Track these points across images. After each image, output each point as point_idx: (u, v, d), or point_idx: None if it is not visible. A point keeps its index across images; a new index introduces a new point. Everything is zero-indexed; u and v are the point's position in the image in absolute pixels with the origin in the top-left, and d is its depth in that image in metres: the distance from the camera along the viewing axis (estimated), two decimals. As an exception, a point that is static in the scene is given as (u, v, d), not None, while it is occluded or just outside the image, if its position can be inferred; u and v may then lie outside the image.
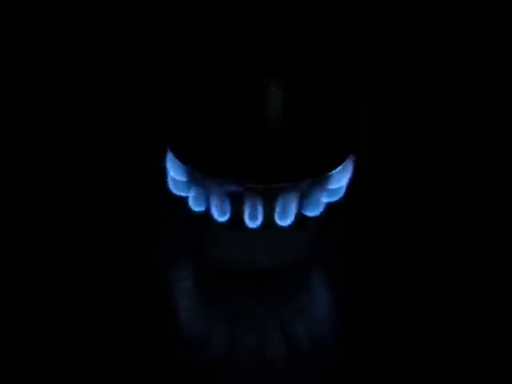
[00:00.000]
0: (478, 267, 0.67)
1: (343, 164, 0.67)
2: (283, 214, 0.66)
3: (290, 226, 0.66)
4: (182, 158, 0.68)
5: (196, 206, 0.67)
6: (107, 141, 0.79)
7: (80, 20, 0.89)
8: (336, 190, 0.68)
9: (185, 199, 0.68)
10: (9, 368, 0.59)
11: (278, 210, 0.66)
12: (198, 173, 0.67)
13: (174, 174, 0.68)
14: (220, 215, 0.66)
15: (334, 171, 0.67)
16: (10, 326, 0.62)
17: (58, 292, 0.64)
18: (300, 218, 0.66)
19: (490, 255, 0.68)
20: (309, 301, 0.66)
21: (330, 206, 0.67)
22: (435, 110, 0.83)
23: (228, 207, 0.66)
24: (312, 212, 0.67)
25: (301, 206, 0.66)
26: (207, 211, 0.67)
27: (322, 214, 0.67)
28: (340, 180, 0.67)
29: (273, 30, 0.66)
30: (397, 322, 0.63)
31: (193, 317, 0.65)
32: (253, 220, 0.66)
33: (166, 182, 0.68)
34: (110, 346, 0.61)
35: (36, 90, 0.84)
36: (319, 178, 0.66)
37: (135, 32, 0.88)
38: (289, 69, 0.65)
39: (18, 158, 0.77)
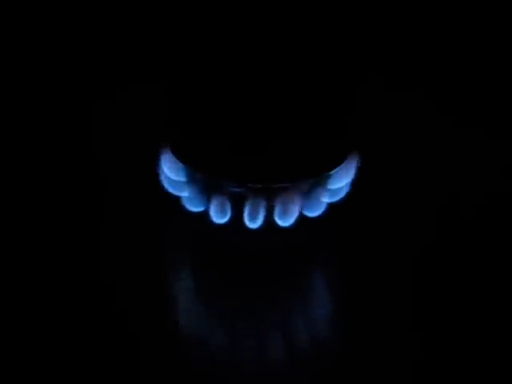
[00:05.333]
0: (480, 267, 0.67)
1: (344, 164, 0.67)
2: (284, 215, 0.66)
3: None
4: (182, 157, 0.68)
5: (193, 207, 0.67)
6: (107, 141, 0.79)
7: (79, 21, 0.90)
8: (337, 191, 0.68)
9: (183, 199, 0.68)
10: (8, 368, 0.59)
11: (278, 210, 0.66)
12: (199, 173, 0.67)
13: (171, 174, 0.68)
14: (219, 217, 0.66)
15: (334, 171, 0.67)
16: (10, 328, 0.62)
17: (56, 292, 0.64)
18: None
19: (491, 255, 0.68)
20: (309, 300, 0.66)
21: (330, 206, 0.68)
22: (439, 110, 0.83)
23: (228, 209, 0.66)
24: (313, 212, 0.67)
25: (302, 206, 0.66)
26: (205, 212, 0.67)
27: (323, 215, 0.67)
28: (341, 180, 0.67)
29: (272, 31, 0.66)
30: (397, 322, 0.63)
31: (193, 317, 0.65)
32: (253, 220, 0.66)
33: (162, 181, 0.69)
34: (109, 346, 0.61)
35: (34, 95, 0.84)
36: (319, 177, 0.66)
37: (135, 33, 0.88)
38: (292, 68, 0.65)
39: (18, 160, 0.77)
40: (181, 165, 0.68)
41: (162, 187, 0.69)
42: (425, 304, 0.64)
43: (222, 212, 0.66)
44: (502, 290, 0.65)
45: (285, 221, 0.66)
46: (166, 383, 0.59)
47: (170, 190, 0.69)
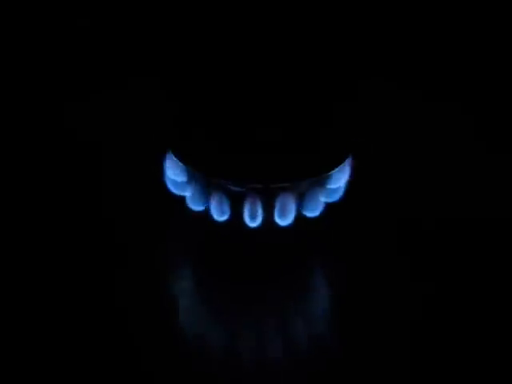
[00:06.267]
0: (480, 268, 0.67)
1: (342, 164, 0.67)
2: (283, 214, 0.66)
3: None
4: (182, 158, 0.68)
5: (195, 206, 0.68)
6: (106, 141, 0.79)
7: (80, 20, 0.90)
8: (335, 190, 0.68)
9: (184, 199, 0.68)
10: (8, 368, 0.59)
11: (277, 209, 0.66)
12: (199, 173, 0.67)
13: (173, 174, 0.69)
14: (219, 215, 0.66)
15: (333, 171, 0.67)
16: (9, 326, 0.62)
17: (56, 290, 0.64)
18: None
19: (492, 257, 0.68)
20: (308, 300, 0.66)
21: (329, 205, 0.68)
22: (436, 109, 0.83)
23: (227, 207, 0.66)
24: (311, 212, 0.67)
25: (300, 206, 0.66)
26: (207, 210, 0.67)
27: (322, 214, 0.67)
28: (339, 180, 0.68)
29: (273, 30, 0.66)
30: (397, 322, 0.63)
31: (193, 317, 0.65)
32: (253, 219, 0.66)
33: (165, 181, 0.69)
34: (109, 346, 0.61)
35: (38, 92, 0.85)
36: (318, 178, 0.67)
37: (136, 32, 0.88)
38: (290, 69, 0.66)
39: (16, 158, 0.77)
40: (182, 165, 0.68)
41: (164, 187, 0.69)
42: (426, 305, 0.64)
43: (222, 210, 0.66)
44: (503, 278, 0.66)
45: (284, 220, 0.66)
46: (166, 383, 0.59)
47: (172, 189, 0.69)
